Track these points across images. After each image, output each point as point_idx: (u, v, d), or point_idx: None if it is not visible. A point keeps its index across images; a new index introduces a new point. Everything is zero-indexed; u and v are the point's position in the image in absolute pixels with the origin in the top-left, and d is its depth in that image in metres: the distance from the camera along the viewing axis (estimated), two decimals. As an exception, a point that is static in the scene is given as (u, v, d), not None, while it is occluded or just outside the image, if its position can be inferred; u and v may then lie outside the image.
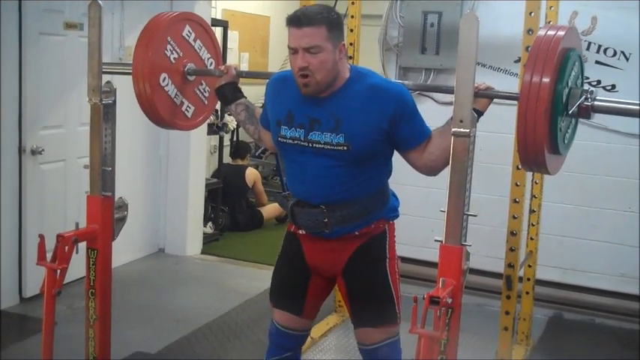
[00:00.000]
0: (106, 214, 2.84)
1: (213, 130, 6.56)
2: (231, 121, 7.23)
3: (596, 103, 2.17)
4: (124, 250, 5.28)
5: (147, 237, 5.89)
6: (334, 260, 2.70)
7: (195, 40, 3.04)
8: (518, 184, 3.72)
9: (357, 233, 2.64)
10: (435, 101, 5.15)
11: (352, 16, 4.35)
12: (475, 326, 4.33)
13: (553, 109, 2.08)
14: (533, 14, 3.61)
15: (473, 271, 2.34)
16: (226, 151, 7.35)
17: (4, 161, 4.46)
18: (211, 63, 3.15)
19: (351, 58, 4.37)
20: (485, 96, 2.37)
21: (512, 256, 3.72)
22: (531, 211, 4.22)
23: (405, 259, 4.96)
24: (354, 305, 2.73)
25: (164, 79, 2.91)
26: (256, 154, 8.35)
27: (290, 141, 2.58)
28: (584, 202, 4.82)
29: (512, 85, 4.24)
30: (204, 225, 6.33)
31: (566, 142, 2.27)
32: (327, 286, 2.85)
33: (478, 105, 2.33)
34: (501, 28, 4.59)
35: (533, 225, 4.24)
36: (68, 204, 4.84)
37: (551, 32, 2.15)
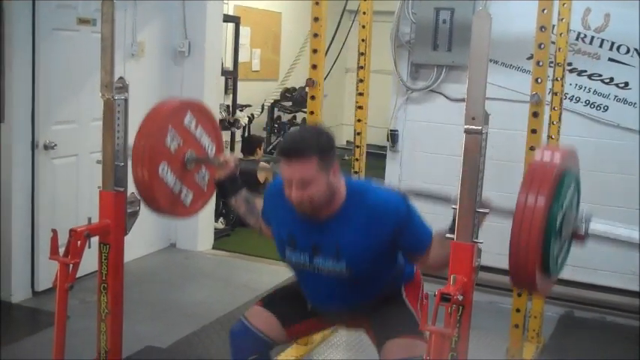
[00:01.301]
0: (119, 209, 2.84)
1: (224, 125, 6.57)
2: (242, 117, 7.25)
3: (591, 227, 2.18)
4: (136, 245, 5.31)
5: (158, 232, 5.90)
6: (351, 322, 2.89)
7: (196, 128, 3.04)
8: (530, 181, 3.70)
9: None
10: (447, 97, 5.16)
11: (364, 13, 4.35)
12: (486, 324, 4.32)
13: (547, 232, 2.07)
14: (545, 11, 3.60)
15: (484, 269, 2.33)
16: (238, 146, 7.36)
17: (16, 156, 4.49)
18: (212, 148, 3.14)
19: (362, 54, 4.37)
20: None
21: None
22: (543, 209, 4.20)
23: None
24: (375, 327, 2.72)
25: (163, 168, 2.92)
26: (268, 149, 8.35)
27: (295, 264, 2.64)
28: (596, 200, 4.79)
29: (524, 82, 4.23)
30: (216, 220, 6.35)
31: (558, 264, 2.25)
32: (331, 326, 3.03)
33: None
34: (514, 24, 4.58)
35: (544, 222, 4.22)
36: (80, 199, 4.86)
37: (547, 156, 2.13)
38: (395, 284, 2.72)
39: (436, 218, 2.46)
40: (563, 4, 4.06)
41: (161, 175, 2.91)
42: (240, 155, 7.26)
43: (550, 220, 2.07)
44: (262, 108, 8.09)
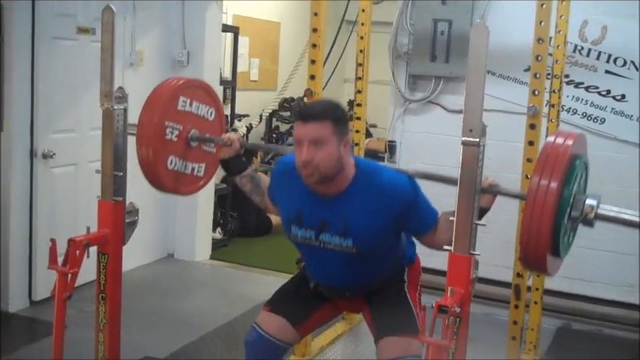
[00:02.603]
0: (117, 219, 2.85)
1: (222, 135, 6.56)
2: (241, 127, 7.26)
3: (599, 211, 2.22)
4: (134, 255, 5.30)
5: (157, 242, 5.90)
6: (352, 303, 2.88)
7: (191, 104, 3.02)
8: (527, 193, 3.71)
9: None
10: (444, 109, 5.18)
11: (362, 24, 4.37)
12: (483, 335, 4.32)
13: (558, 214, 2.10)
14: (543, 23, 3.62)
15: (481, 280, 2.34)
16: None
17: (15, 165, 4.49)
18: (211, 113, 3.13)
19: (360, 65, 4.39)
20: (490, 192, 2.37)
21: (520, 265, 3.72)
22: (540, 220, 4.21)
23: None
24: (375, 319, 2.76)
25: (171, 161, 2.93)
26: (265, 159, 8.36)
27: (301, 240, 2.66)
28: (593, 212, 4.81)
29: (521, 94, 4.25)
30: (213, 230, 6.34)
31: (567, 245, 2.29)
32: (335, 315, 3.01)
33: (483, 201, 2.31)
34: (511, 36, 4.60)
35: (541, 234, 4.22)
36: (79, 208, 4.86)
37: (559, 140, 2.16)
38: (398, 265, 2.78)
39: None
40: (561, 17, 4.08)
41: (170, 168, 2.92)
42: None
43: (562, 204, 2.10)
44: (260, 118, 8.09)
